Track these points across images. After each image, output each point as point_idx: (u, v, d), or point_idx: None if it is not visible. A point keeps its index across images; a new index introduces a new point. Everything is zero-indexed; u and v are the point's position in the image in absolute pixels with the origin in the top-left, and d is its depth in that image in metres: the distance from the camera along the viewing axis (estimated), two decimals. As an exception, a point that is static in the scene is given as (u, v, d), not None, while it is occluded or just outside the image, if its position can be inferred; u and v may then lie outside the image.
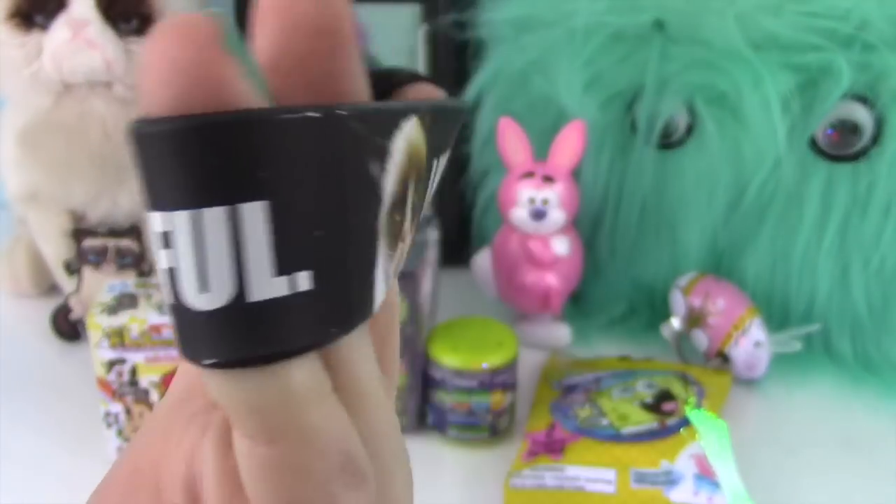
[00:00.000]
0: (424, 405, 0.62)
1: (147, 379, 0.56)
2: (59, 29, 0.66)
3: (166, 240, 0.15)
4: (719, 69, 0.65)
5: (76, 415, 0.62)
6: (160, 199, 0.15)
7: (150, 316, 0.55)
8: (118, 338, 0.55)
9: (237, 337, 0.15)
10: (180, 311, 0.15)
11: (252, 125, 0.15)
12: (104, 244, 0.74)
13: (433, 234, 0.63)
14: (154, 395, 0.57)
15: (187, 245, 0.15)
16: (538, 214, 0.67)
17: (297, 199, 0.15)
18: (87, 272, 0.74)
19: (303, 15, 0.16)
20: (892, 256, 0.67)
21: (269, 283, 0.15)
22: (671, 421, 0.58)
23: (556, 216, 0.67)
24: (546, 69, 0.69)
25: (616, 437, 0.56)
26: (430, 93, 0.20)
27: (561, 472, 0.54)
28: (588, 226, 0.73)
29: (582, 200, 0.70)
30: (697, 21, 0.65)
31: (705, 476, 0.53)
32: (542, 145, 0.68)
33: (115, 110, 0.70)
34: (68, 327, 0.73)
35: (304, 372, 0.16)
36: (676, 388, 0.61)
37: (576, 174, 0.69)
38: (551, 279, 0.68)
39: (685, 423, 0.58)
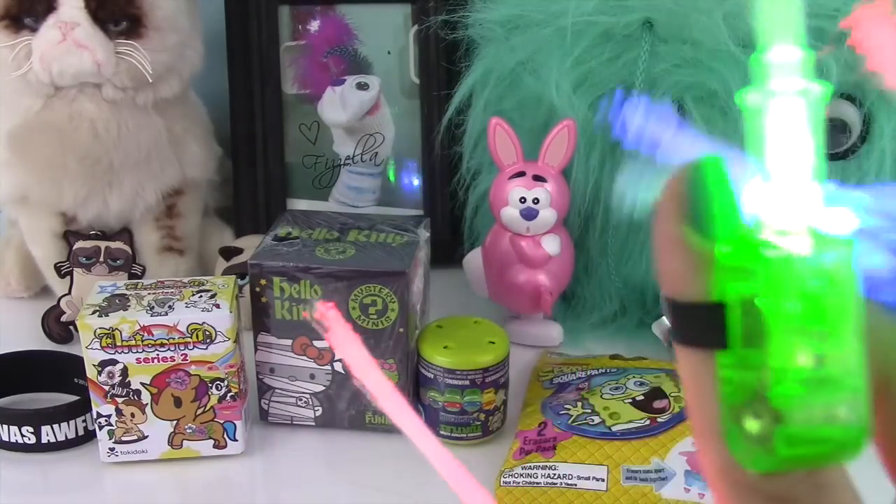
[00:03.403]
0: (416, 404, 0.62)
1: (138, 380, 0.56)
2: (49, 31, 0.66)
3: None
4: (708, 68, 0.65)
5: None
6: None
7: (141, 317, 0.55)
8: (109, 339, 0.55)
9: None
10: None
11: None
12: (95, 246, 0.74)
13: (424, 234, 0.63)
14: (145, 396, 0.57)
15: None
16: (529, 214, 0.67)
17: None
18: (79, 274, 0.74)
19: None
20: (881, 254, 0.68)
21: None
22: (662, 418, 0.58)
23: (547, 215, 0.67)
24: (536, 69, 0.70)
25: (607, 435, 0.56)
26: None
27: (552, 469, 0.54)
28: (579, 225, 0.73)
29: (573, 199, 0.70)
30: (686, 21, 0.65)
31: (696, 472, 0.53)
32: (532, 145, 0.68)
33: (104, 112, 0.70)
34: (60, 329, 0.73)
35: None
36: (667, 385, 0.62)
37: (566, 173, 0.69)
38: (542, 278, 0.68)
39: (679, 418, 0.58)
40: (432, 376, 0.59)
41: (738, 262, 0.17)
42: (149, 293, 0.58)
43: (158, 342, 0.56)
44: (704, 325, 0.18)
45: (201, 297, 0.57)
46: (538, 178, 0.67)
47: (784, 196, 0.17)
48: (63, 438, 0.59)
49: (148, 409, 0.57)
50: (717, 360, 0.18)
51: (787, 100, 0.18)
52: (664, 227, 0.20)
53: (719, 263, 0.17)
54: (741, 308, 0.17)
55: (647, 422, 0.57)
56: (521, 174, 0.67)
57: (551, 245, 0.68)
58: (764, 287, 0.17)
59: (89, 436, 0.60)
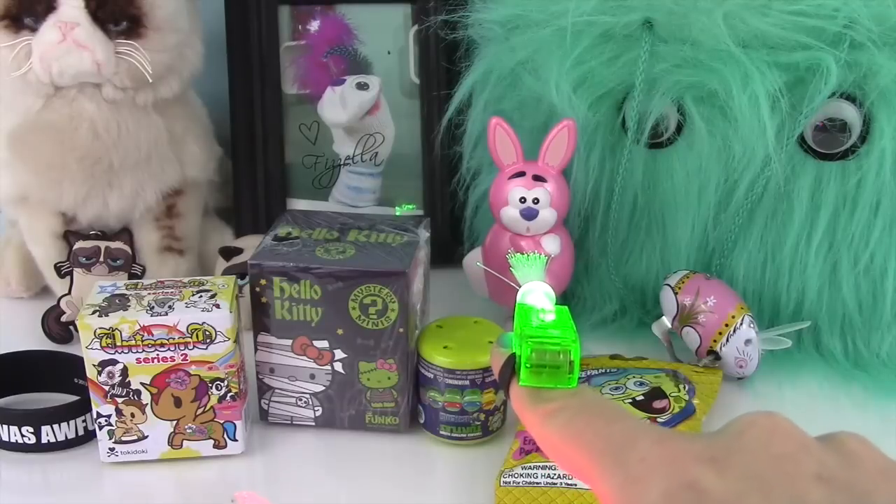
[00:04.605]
0: (416, 404, 0.62)
1: (138, 380, 0.56)
2: (49, 31, 0.66)
3: None
4: (708, 68, 0.65)
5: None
6: None
7: (141, 317, 0.55)
8: (109, 339, 0.55)
9: None
10: None
11: None
12: (95, 246, 0.74)
13: (424, 234, 0.63)
14: (145, 396, 0.57)
15: None
16: (529, 214, 0.67)
17: None
18: (79, 274, 0.74)
19: None
20: (881, 254, 0.68)
21: None
22: (662, 418, 0.58)
23: (547, 215, 0.67)
24: (536, 69, 0.70)
25: (607, 435, 0.56)
26: None
27: (552, 469, 0.54)
28: (578, 225, 0.73)
29: (572, 199, 0.70)
30: (686, 20, 0.65)
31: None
32: (532, 145, 0.68)
33: (104, 112, 0.70)
34: (60, 329, 0.73)
35: None
36: (667, 385, 0.62)
37: (566, 173, 0.69)
38: (542, 278, 0.68)
39: (679, 418, 0.58)
40: (432, 376, 0.59)
41: (525, 334, 0.40)
42: (149, 293, 0.58)
43: (158, 342, 0.56)
44: (511, 367, 0.41)
45: (201, 297, 0.57)
46: (538, 178, 0.67)
47: (539, 304, 0.43)
48: (63, 438, 0.59)
49: (148, 409, 0.57)
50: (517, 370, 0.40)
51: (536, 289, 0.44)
52: (493, 349, 0.44)
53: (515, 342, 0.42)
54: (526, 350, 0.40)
55: (647, 422, 0.57)
56: (521, 174, 0.67)
57: (551, 245, 0.68)
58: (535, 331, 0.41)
59: (89, 436, 0.60)
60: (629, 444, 0.33)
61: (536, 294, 0.43)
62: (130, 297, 0.57)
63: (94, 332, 0.55)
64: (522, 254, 0.46)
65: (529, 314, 0.41)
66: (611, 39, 0.67)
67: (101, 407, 0.57)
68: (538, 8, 0.68)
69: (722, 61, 0.65)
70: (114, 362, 0.56)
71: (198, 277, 0.61)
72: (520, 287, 0.45)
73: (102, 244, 0.74)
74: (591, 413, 0.36)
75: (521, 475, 0.54)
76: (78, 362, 0.58)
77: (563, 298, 0.76)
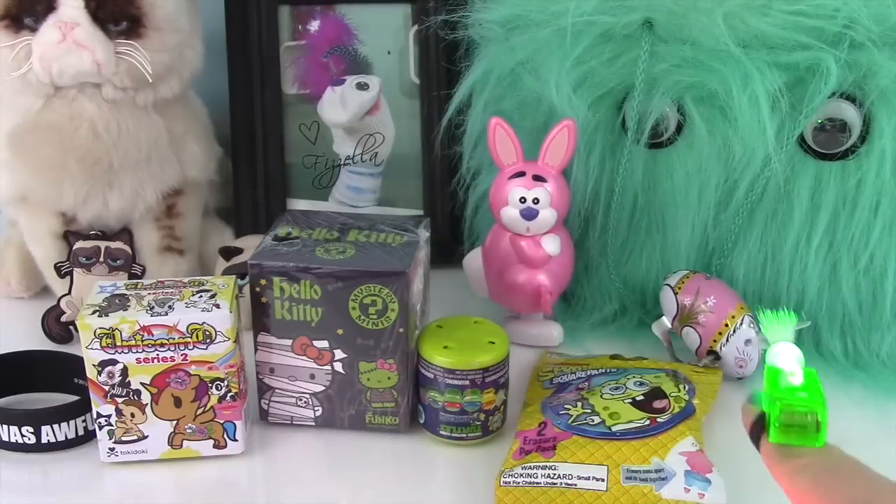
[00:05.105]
0: (416, 404, 0.62)
1: (138, 380, 0.56)
2: (49, 31, 0.66)
3: None
4: (708, 68, 0.65)
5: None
6: None
7: (141, 317, 0.55)
8: (109, 339, 0.55)
9: None
10: None
11: None
12: (95, 246, 0.74)
13: (424, 234, 0.63)
14: (145, 396, 0.57)
15: None
16: (529, 214, 0.67)
17: None
18: (79, 274, 0.74)
19: None
20: (881, 254, 0.68)
21: None
22: (662, 418, 0.58)
23: (547, 215, 0.67)
24: (536, 69, 0.70)
25: (607, 435, 0.56)
26: None
27: (552, 469, 0.54)
28: (579, 225, 0.73)
29: (572, 199, 0.70)
30: (686, 21, 0.65)
31: (696, 472, 0.53)
32: (532, 145, 0.68)
33: (104, 112, 0.70)
34: (60, 329, 0.73)
35: None
36: (667, 385, 0.62)
37: (566, 173, 0.69)
38: (542, 278, 0.68)
39: (679, 418, 0.58)
40: (432, 376, 0.59)
41: (775, 395, 0.44)
42: (149, 293, 0.58)
43: (158, 342, 0.56)
44: (761, 424, 0.44)
45: (201, 297, 0.57)
46: (538, 178, 0.67)
47: (788, 367, 0.46)
48: (63, 438, 0.59)
49: (148, 409, 0.57)
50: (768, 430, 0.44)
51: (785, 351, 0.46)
52: (744, 406, 0.47)
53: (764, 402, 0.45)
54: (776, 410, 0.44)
55: (647, 422, 0.57)
56: (521, 174, 0.67)
57: (551, 245, 0.68)
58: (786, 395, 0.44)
59: (89, 436, 0.60)
60: (873, 500, 0.37)
61: (786, 356, 0.46)
62: (130, 297, 0.57)
63: (94, 332, 0.55)
64: (771, 311, 0.48)
65: (779, 375, 0.45)
66: (611, 39, 0.67)
67: (101, 407, 0.57)
68: (538, 8, 0.68)
69: (722, 61, 0.65)
70: (114, 362, 0.56)
71: (198, 277, 0.61)
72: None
73: (102, 244, 0.74)
74: (837, 470, 0.40)
75: (521, 475, 0.54)
76: (78, 362, 0.58)
77: (564, 298, 0.76)
